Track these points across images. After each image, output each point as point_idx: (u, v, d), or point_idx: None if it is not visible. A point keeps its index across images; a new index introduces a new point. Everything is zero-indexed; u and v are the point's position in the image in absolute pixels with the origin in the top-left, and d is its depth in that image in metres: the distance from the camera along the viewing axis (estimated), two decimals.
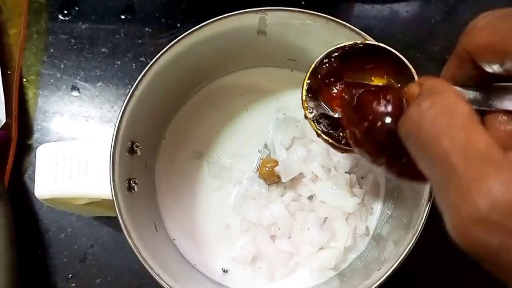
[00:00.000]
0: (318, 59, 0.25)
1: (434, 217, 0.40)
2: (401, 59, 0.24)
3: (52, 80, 0.45)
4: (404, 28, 0.46)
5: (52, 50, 0.46)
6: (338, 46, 0.25)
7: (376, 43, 0.25)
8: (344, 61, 0.25)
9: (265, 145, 0.36)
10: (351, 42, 0.25)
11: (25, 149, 0.43)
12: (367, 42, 0.25)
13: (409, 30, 0.46)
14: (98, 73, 0.45)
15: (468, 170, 0.14)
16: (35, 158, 0.31)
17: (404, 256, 0.26)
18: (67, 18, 0.47)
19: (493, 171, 0.13)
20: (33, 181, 0.31)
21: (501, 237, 0.13)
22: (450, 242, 0.41)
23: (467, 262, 0.40)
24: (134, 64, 0.45)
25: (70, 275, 0.41)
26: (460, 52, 0.19)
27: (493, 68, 0.18)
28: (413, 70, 0.23)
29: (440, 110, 0.15)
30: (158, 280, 0.26)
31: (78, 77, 0.45)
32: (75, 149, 0.29)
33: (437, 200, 0.15)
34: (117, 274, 0.40)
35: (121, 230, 0.38)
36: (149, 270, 0.26)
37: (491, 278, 0.41)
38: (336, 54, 0.25)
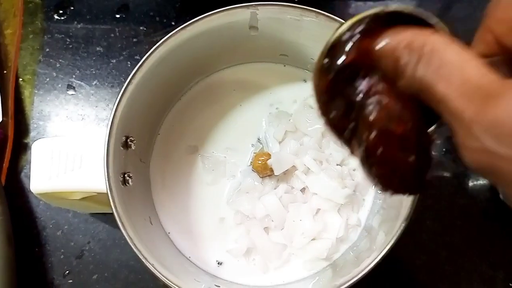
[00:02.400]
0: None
1: (423, 208, 0.41)
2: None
3: (48, 79, 0.46)
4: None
5: (47, 50, 0.46)
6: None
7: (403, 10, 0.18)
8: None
9: (258, 139, 0.37)
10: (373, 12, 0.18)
11: (21, 148, 0.44)
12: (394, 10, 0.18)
13: None
14: (94, 72, 0.46)
15: (467, 109, 0.15)
16: (31, 156, 0.31)
17: (392, 244, 0.27)
18: (62, 18, 0.47)
19: (487, 105, 0.14)
20: (29, 178, 0.31)
21: (499, 161, 0.14)
22: (438, 232, 0.41)
23: (454, 250, 0.40)
24: (129, 63, 0.46)
25: (67, 272, 0.41)
26: (483, 36, 0.18)
27: None
28: None
29: (430, 55, 0.16)
30: (152, 270, 0.27)
31: (74, 76, 0.46)
32: (70, 144, 0.30)
33: (451, 127, 0.16)
34: (114, 270, 0.41)
35: (117, 226, 0.38)
36: (144, 261, 0.27)
37: (475, 265, 0.41)
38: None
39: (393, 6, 0.18)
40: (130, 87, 0.29)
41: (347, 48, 0.18)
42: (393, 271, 0.40)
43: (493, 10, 0.17)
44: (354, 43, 0.18)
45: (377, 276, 0.38)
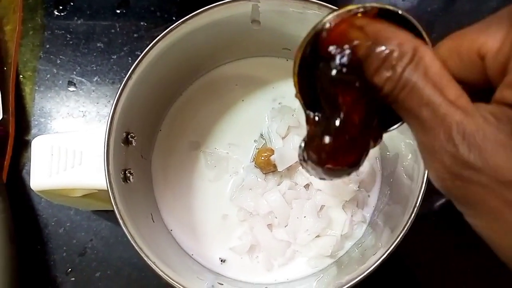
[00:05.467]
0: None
1: (429, 204, 0.40)
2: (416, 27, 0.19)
3: (48, 76, 0.45)
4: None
5: (48, 46, 0.46)
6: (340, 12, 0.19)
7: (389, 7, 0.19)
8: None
9: (261, 134, 0.36)
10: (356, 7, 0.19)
11: (22, 145, 0.43)
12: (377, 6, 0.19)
13: None
14: (94, 68, 0.45)
15: (455, 114, 0.16)
16: (31, 152, 0.31)
17: (398, 241, 0.26)
18: (62, 14, 0.47)
19: (460, 123, 0.15)
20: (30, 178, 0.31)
21: (467, 171, 0.15)
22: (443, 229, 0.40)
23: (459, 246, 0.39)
24: (130, 58, 0.45)
25: (70, 269, 0.41)
26: None
27: (456, 79, 0.18)
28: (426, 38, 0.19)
29: (430, 61, 0.17)
30: (154, 268, 0.26)
31: (75, 72, 0.45)
32: (70, 141, 0.29)
33: (421, 152, 0.17)
34: (116, 268, 0.41)
35: (120, 223, 0.38)
36: (145, 258, 0.26)
37: (480, 260, 0.40)
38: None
39: (384, 4, 0.19)
40: (130, 82, 0.29)
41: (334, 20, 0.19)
42: (397, 268, 0.39)
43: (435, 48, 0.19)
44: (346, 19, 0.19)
45: (380, 273, 0.38)
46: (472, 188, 0.15)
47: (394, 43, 0.17)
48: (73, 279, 0.41)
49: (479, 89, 0.19)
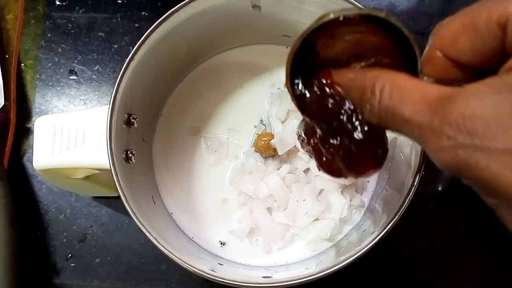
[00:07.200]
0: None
1: (428, 193, 0.40)
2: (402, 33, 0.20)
3: (50, 64, 0.46)
4: (401, 19, 0.47)
5: (49, 35, 0.46)
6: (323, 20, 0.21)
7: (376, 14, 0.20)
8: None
9: (261, 120, 0.37)
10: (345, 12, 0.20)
11: (24, 132, 0.44)
12: (365, 13, 0.20)
13: (407, 21, 0.46)
14: (95, 57, 0.46)
15: (435, 117, 0.16)
16: (34, 132, 0.31)
17: (391, 225, 0.27)
18: (64, 3, 0.47)
19: (451, 107, 0.16)
20: (32, 158, 0.31)
21: (473, 153, 0.15)
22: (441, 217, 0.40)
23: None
24: (131, 48, 0.44)
25: (70, 255, 0.41)
26: (432, 54, 0.20)
27: (467, 56, 0.19)
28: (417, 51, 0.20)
29: (390, 87, 0.18)
30: (156, 244, 0.26)
31: (76, 61, 0.46)
32: (73, 120, 0.29)
33: (421, 142, 0.18)
34: (116, 254, 0.41)
35: (120, 210, 0.38)
36: (146, 233, 0.26)
37: (478, 250, 0.40)
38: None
39: (366, 10, 0.20)
40: (133, 64, 0.29)
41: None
42: (394, 256, 0.39)
43: (438, 29, 0.20)
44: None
45: (376, 260, 0.38)
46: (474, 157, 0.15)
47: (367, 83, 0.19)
48: (73, 264, 0.41)
49: (487, 67, 0.19)
